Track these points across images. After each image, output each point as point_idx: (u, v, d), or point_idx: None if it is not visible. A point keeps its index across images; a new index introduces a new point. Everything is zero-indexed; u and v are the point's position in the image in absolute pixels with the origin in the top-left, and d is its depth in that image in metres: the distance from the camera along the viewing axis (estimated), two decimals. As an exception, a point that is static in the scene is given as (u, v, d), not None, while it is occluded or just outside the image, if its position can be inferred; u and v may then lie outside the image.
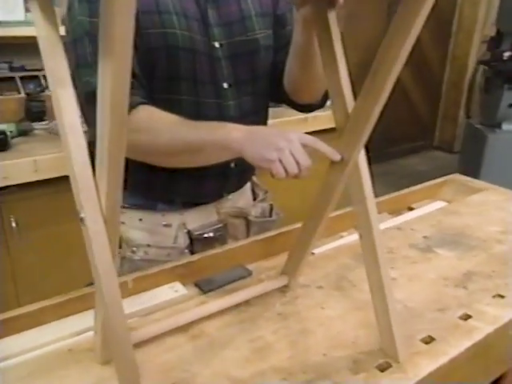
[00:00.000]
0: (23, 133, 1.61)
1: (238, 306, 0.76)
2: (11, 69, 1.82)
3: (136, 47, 0.77)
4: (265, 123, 1.02)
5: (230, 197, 1.00)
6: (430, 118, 4.31)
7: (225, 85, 0.87)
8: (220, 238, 0.99)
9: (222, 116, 0.87)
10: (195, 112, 0.85)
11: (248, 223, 1.05)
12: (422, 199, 1.26)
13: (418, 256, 0.91)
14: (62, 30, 0.57)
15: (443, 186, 1.31)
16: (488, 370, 0.76)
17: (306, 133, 2.10)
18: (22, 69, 1.82)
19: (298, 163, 0.63)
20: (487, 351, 0.72)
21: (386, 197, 1.20)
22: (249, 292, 0.77)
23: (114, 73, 0.35)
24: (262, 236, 0.98)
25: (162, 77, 0.81)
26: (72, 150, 0.42)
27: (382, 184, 3.43)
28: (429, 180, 1.31)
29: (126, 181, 0.94)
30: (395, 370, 0.62)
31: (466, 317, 0.73)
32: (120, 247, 0.94)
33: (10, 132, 1.55)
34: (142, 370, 0.62)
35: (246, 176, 1.01)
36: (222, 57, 0.85)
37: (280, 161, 0.63)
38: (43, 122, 1.69)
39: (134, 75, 0.77)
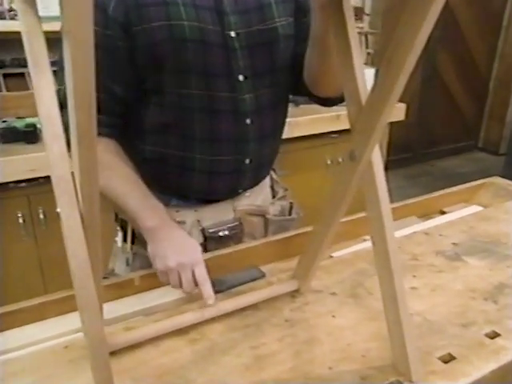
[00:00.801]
0: (54, 126, 1.64)
1: (244, 309, 0.72)
2: (47, 63, 1.85)
3: (116, 58, 0.75)
4: (284, 118, 0.97)
5: (248, 194, 0.96)
6: (474, 117, 4.11)
7: (240, 77, 0.82)
8: (235, 236, 0.95)
9: (238, 110, 0.83)
10: (208, 107, 0.81)
11: (266, 222, 1.00)
12: (456, 203, 1.18)
13: (444, 264, 0.84)
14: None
15: (480, 189, 1.21)
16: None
17: (338, 132, 2.03)
18: (56, 63, 1.85)
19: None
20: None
21: (416, 199, 1.13)
22: (256, 296, 0.73)
23: (75, 53, 0.32)
24: (278, 237, 0.94)
25: (170, 71, 0.77)
26: (48, 140, 0.40)
27: (418, 186, 3.31)
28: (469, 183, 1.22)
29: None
30: (407, 390, 0.57)
31: (494, 335, 0.66)
32: (133, 243, 0.93)
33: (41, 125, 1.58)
34: (134, 373, 0.59)
35: (261, 172, 0.97)
36: (238, 47, 0.81)
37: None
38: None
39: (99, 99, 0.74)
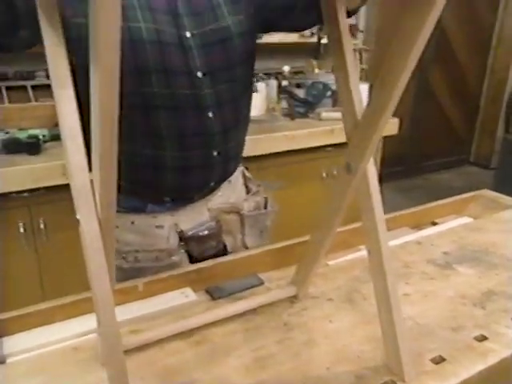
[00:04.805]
0: (56, 137, 1.67)
1: (244, 314, 0.75)
2: (48, 77, 1.89)
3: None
4: (246, 110, 1.00)
5: (220, 193, 1.00)
6: (466, 132, 4.19)
7: (199, 74, 0.85)
8: (214, 235, 0.99)
9: (199, 106, 0.86)
10: (171, 105, 0.84)
11: (242, 218, 1.04)
12: (447, 214, 1.22)
13: (435, 272, 0.88)
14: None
15: (471, 201, 1.26)
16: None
17: (333, 145, 2.06)
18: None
19: None
20: (504, 377, 0.68)
21: (409, 210, 1.17)
22: (256, 301, 0.76)
23: (102, 79, 0.35)
24: (276, 245, 0.97)
25: (130, 71, 0.79)
26: (70, 153, 0.43)
27: (411, 199, 3.36)
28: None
29: (119, 184, 0.96)
30: (400, 389, 0.60)
31: (482, 338, 0.70)
32: None
33: (43, 136, 1.62)
34: (142, 372, 0.62)
35: (230, 165, 1.00)
36: (194, 46, 0.84)
37: None
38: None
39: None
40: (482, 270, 0.88)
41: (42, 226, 1.55)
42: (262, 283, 0.87)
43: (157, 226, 0.94)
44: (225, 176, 1.00)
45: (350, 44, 0.60)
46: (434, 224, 1.18)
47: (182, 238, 0.96)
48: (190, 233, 0.96)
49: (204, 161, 0.91)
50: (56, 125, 1.74)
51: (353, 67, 0.61)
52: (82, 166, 0.43)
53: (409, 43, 0.49)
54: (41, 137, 1.60)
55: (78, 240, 0.47)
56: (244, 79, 0.95)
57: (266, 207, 1.09)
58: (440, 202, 1.22)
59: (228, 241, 1.03)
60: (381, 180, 2.67)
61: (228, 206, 1.01)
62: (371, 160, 0.61)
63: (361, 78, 2.33)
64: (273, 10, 0.94)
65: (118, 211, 0.92)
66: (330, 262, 0.95)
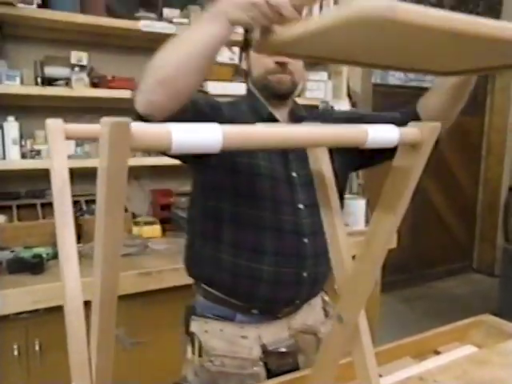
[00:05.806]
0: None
1: None
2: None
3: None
4: None
5: (301, 314, 1.08)
6: (466, 240, 4.23)
7: (300, 205, 1.01)
8: (292, 353, 1.05)
9: (297, 232, 1.00)
10: (275, 227, 0.98)
11: (318, 340, 1.09)
12: (450, 342, 1.20)
13: (439, 416, 0.85)
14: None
15: (472, 328, 1.24)
16: None
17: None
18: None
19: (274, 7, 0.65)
20: None
21: (410, 339, 1.15)
22: None
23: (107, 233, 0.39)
24: (279, 379, 0.95)
25: (246, 195, 0.98)
26: (70, 328, 0.45)
27: (417, 309, 3.28)
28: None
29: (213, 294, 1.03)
30: None
31: None
32: (200, 355, 1.01)
33: (47, 255, 1.64)
34: None
35: (316, 287, 1.09)
36: (298, 184, 1.02)
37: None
38: (78, 245, 1.79)
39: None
40: (489, 415, 0.85)
41: (36, 347, 1.51)
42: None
43: (242, 336, 1.02)
44: (309, 296, 1.10)
45: (340, 216, 0.65)
46: (437, 353, 1.15)
47: (264, 351, 1.02)
48: (271, 347, 1.02)
49: (294, 279, 1.03)
50: (61, 241, 1.78)
51: (339, 220, 0.65)
52: (81, 340, 0.45)
53: (390, 213, 0.54)
54: (45, 255, 1.62)
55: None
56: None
57: None
58: (441, 328, 1.21)
59: (300, 359, 1.07)
60: (383, 289, 2.62)
61: (306, 327, 1.09)
62: (362, 311, 0.63)
63: (358, 193, 2.42)
64: (364, 155, 1.03)
65: (209, 318, 1.04)
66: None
